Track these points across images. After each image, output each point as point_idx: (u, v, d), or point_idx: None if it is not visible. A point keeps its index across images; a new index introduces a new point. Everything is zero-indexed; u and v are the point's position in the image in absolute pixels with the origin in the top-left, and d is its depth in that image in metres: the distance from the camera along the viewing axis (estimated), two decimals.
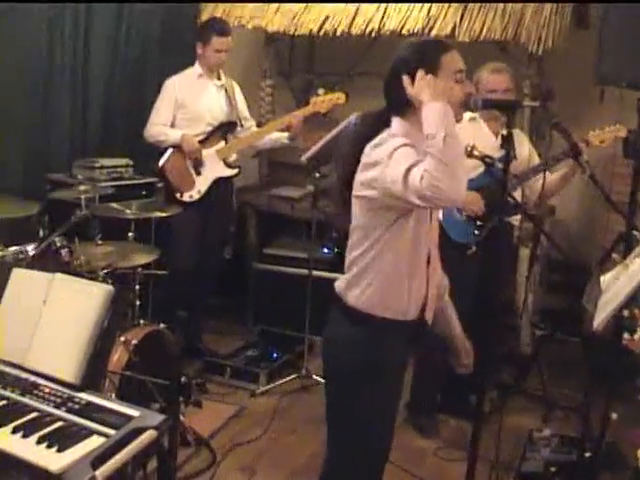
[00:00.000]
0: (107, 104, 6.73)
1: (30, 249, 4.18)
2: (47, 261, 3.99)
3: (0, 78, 5.75)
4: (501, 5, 5.72)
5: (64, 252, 4.11)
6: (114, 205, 4.74)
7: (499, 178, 3.61)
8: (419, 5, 5.99)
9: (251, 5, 6.69)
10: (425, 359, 4.65)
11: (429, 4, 5.96)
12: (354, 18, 6.19)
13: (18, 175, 6.02)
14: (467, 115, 4.46)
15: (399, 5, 6.07)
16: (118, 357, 3.87)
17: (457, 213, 4.64)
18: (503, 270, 4.93)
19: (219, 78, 5.88)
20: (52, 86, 6.22)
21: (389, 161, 2.57)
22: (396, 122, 2.78)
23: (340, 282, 2.91)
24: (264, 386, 5.44)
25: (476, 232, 4.58)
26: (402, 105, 2.76)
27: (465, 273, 4.31)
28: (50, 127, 6.24)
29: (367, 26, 6.10)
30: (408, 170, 2.48)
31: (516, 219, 5.03)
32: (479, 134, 4.67)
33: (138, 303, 4.60)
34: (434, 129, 2.47)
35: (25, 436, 2.24)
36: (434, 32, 5.79)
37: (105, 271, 4.20)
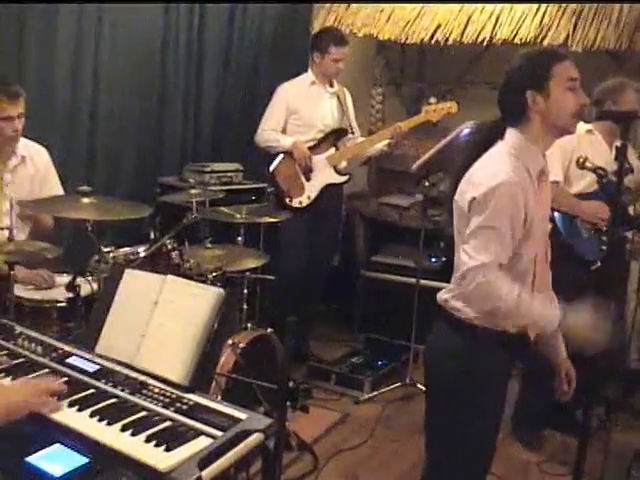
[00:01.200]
0: (219, 109, 6.82)
1: (141, 251, 4.27)
2: (157, 263, 4.05)
3: (115, 83, 5.88)
4: (615, 14, 5.62)
5: (174, 254, 4.18)
6: (224, 209, 4.79)
7: (613, 191, 3.54)
8: (532, 14, 5.92)
9: (363, 13, 6.71)
10: (532, 373, 4.60)
11: (542, 13, 5.89)
12: (466, 27, 6.17)
13: (130, 178, 6.14)
14: (582, 127, 4.40)
15: (511, 14, 6.02)
16: (225, 359, 3.90)
17: (583, 231, 4.58)
18: (617, 284, 4.85)
19: (331, 85, 5.91)
20: (165, 90, 6.33)
21: (478, 219, 2.67)
22: (511, 133, 2.77)
23: (444, 291, 2.91)
24: (368, 393, 5.45)
25: (603, 247, 4.51)
26: (518, 117, 2.75)
27: (584, 289, 4.26)
28: (162, 131, 6.35)
29: (479, 35, 6.08)
30: (477, 268, 2.63)
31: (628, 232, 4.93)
32: (595, 147, 4.59)
33: (245, 307, 4.65)
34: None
35: (134, 434, 2.26)
36: (546, 41, 5.73)
37: (214, 274, 4.25)
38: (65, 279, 4.16)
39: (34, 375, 2.62)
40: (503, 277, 2.65)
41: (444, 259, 6.24)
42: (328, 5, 6.95)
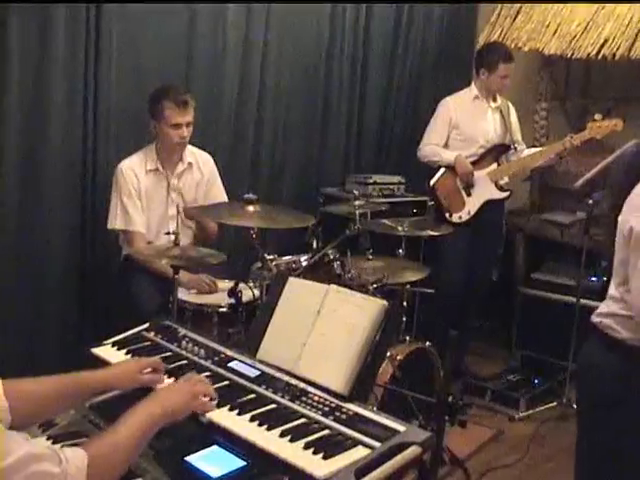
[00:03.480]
0: (382, 121, 6.86)
1: (303, 260, 4.32)
2: (319, 272, 4.09)
3: (280, 93, 5.99)
4: None
5: (336, 265, 4.21)
6: (386, 222, 4.81)
7: None
8: None
9: (528, 27, 6.64)
10: None
11: None
12: (634, 41, 6.01)
13: (292, 187, 6.22)
14: None
15: None
16: (383, 371, 3.90)
17: None
18: None
19: (495, 100, 5.86)
20: (329, 100, 6.40)
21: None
22: None
23: (599, 310, 2.87)
24: (523, 412, 5.38)
25: None
26: None
27: None
28: (325, 141, 6.42)
29: None
30: None
31: None
32: None
33: (404, 319, 4.66)
34: None
35: (293, 440, 2.29)
36: None
37: (374, 286, 4.26)
38: (227, 285, 4.25)
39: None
40: None
41: (605, 279, 6.10)
42: (493, 19, 6.89)
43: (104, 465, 2.07)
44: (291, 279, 2.98)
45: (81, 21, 4.74)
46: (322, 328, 2.74)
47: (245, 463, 2.26)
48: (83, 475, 1.98)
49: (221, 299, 4.18)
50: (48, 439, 2.53)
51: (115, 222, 4.66)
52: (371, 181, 6.08)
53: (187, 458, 2.29)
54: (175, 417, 2.35)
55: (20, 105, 4.57)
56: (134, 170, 4.67)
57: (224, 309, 4.10)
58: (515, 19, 6.78)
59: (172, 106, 4.57)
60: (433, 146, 5.78)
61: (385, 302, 2.67)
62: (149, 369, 2.67)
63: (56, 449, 2.02)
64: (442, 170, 5.76)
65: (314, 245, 4.40)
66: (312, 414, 2.44)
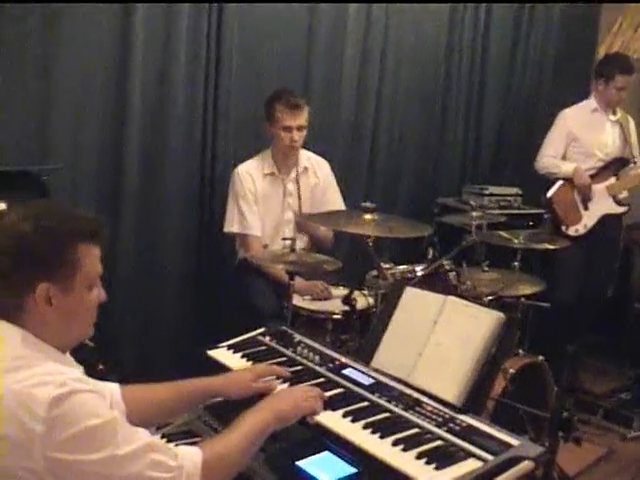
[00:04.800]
0: (499, 131, 6.82)
1: (419, 269, 4.31)
2: (434, 283, 4.08)
3: (397, 102, 6.04)
4: None
5: (452, 275, 4.20)
6: (502, 233, 4.77)
7: None
8: None
9: None
10: None
11: None
12: None
13: (408, 196, 6.23)
14: None
15: None
16: (495, 384, 3.88)
17: None
18: None
19: (614, 113, 5.77)
20: (446, 110, 6.40)
21: None
22: None
23: None
24: (636, 431, 5.26)
25: None
26: None
27: None
28: (442, 151, 6.42)
29: None
30: None
31: None
32: None
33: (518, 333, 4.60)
34: None
35: (405, 450, 2.28)
36: None
37: (489, 298, 4.23)
38: (341, 292, 4.27)
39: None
40: None
41: None
42: (615, 30, 6.78)
43: (218, 465, 2.12)
44: (408, 288, 2.98)
45: (203, 27, 4.84)
46: (438, 338, 2.74)
47: (356, 470, 2.28)
48: (198, 473, 2.04)
49: (335, 306, 4.20)
50: (162, 437, 2.61)
51: (232, 226, 4.73)
52: (487, 192, 6.05)
53: (298, 463, 2.32)
54: (286, 421, 2.40)
55: (142, 109, 4.68)
56: (251, 174, 4.73)
57: (338, 316, 4.11)
58: (637, 30, 6.66)
59: (284, 109, 4.61)
60: (551, 158, 5.72)
61: (502, 315, 2.66)
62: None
63: (172, 448, 2.08)
64: (560, 182, 5.69)
65: (430, 255, 4.39)
66: (425, 424, 2.44)
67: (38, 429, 1.80)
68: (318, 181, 4.95)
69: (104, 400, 1.99)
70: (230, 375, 2.81)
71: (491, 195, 6.04)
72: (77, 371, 2.02)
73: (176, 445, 2.32)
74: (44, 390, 1.84)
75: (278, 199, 4.83)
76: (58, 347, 2.04)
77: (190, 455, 2.06)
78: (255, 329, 3.27)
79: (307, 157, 4.91)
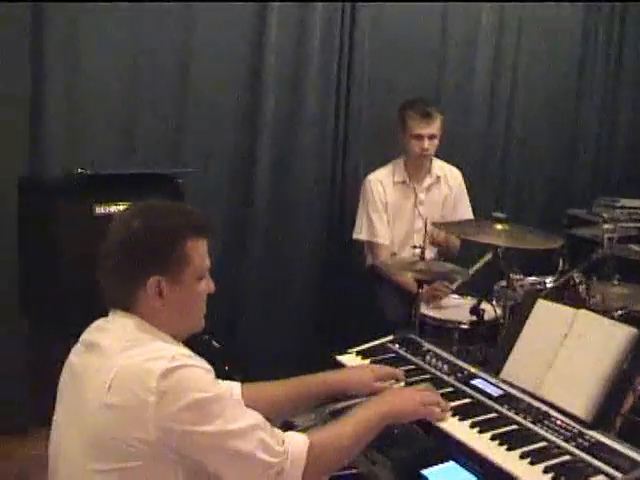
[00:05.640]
0: (632, 142, 6.69)
1: (548, 281, 4.27)
2: (563, 295, 4.02)
3: (528, 112, 6.00)
4: None
5: (581, 288, 4.13)
6: (634, 247, 4.68)
7: None
8: None
9: None
10: None
11: None
12: None
13: (538, 207, 6.18)
14: None
15: None
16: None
17: None
18: None
19: None
20: (579, 122, 6.35)
21: None
22: None
23: None
24: None
25: None
26: None
27: None
28: (574, 162, 6.35)
29: None
30: None
31: None
32: None
33: None
34: None
35: (532, 463, 2.27)
36: None
37: (620, 312, 4.15)
38: (469, 302, 4.24)
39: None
40: None
41: None
42: None
43: (325, 454, 2.15)
44: (540, 301, 2.95)
45: (335, 34, 4.90)
46: (568, 352, 2.71)
47: None
48: (303, 458, 2.07)
49: (463, 316, 4.18)
50: None
51: (360, 233, 4.76)
52: (619, 204, 5.94)
53: (423, 471, 2.33)
54: (400, 419, 2.43)
55: (274, 116, 4.76)
56: (382, 182, 4.75)
57: (465, 326, 4.09)
58: None
59: (415, 117, 4.61)
60: None
61: (636, 330, 2.62)
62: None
63: (280, 432, 2.11)
64: None
65: (560, 267, 4.34)
66: (554, 438, 2.42)
67: (151, 400, 1.88)
68: (450, 191, 4.93)
69: (212, 375, 2.03)
70: (348, 371, 2.86)
71: (623, 207, 5.92)
72: (189, 351, 2.08)
73: None
74: (156, 363, 1.92)
75: (409, 208, 4.83)
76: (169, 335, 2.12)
77: (297, 441, 2.09)
78: (381, 336, 3.28)
79: (440, 166, 4.90)
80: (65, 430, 2.08)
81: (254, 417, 2.04)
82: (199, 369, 1.98)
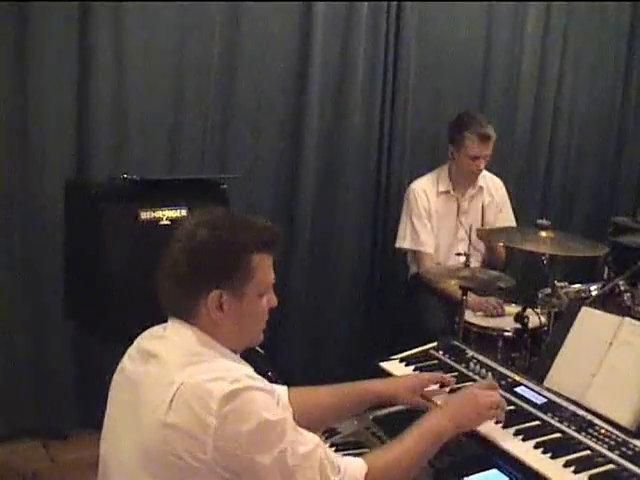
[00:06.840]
0: None
1: (593, 289, 4.25)
2: (608, 303, 4.00)
3: (574, 119, 5.98)
4: None
5: (626, 296, 4.11)
6: None
7: None
8: None
9: None
10: None
11: None
12: None
13: (583, 214, 6.15)
14: None
15: None
16: None
17: None
18: None
19: None
20: (624, 131, 6.33)
21: None
22: None
23: None
24: None
25: None
26: None
27: None
28: (619, 170, 6.38)
29: None
30: None
31: None
32: None
33: None
34: None
35: (576, 472, 2.26)
36: None
37: None
38: (514, 309, 4.23)
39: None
40: None
41: None
42: None
43: (382, 478, 2.12)
44: (584, 308, 2.94)
45: (380, 44, 4.92)
46: (613, 360, 2.70)
47: None
48: None
49: (507, 323, 4.17)
50: (331, 446, 2.64)
51: (404, 241, 4.76)
52: None
53: (465, 479, 2.32)
54: (465, 429, 2.40)
55: (319, 123, 4.79)
56: (425, 191, 4.75)
57: (509, 333, 4.08)
58: None
59: (474, 138, 4.59)
60: None
61: None
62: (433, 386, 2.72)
63: (337, 458, 2.08)
64: None
65: (605, 275, 4.32)
66: (597, 447, 2.40)
67: (211, 422, 1.85)
68: (492, 200, 4.92)
69: (274, 399, 2.01)
70: (394, 379, 2.82)
71: None
72: (250, 369, 2.06)
73: (343, 455, 2.32)
74: (219, 385, 1.89)
75: (452, 218, 4.83)
76: (228, 349, 2.09)
77: (353, 470, 2.05)
78: (421, 345, 3.28)
79: (482, 176, 4.89)
80: (119, 438, 2.06)
81: (313, 442, 2.00)
82: (261, 392, 1.94)
